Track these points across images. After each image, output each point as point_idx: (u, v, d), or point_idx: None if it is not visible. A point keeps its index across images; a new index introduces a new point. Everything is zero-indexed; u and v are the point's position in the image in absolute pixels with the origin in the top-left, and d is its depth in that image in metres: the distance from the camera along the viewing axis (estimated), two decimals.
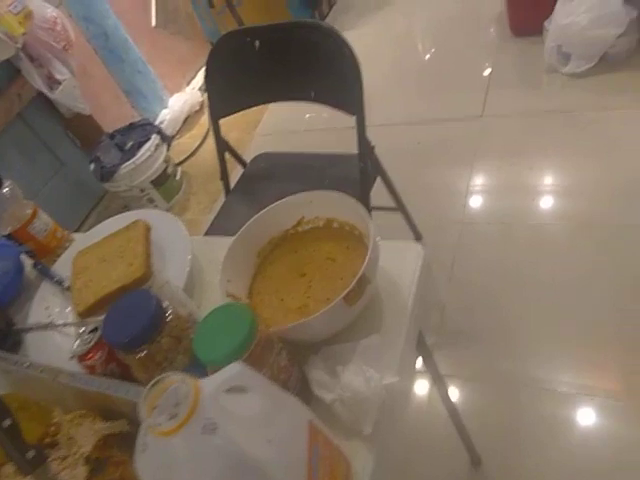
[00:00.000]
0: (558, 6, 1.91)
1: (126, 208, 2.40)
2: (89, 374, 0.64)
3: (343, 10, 3.01)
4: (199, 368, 0.56)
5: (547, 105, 1.94)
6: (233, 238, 0.71)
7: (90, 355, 0.62)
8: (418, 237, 1.68)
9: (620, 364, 1.25)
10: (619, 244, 1.46)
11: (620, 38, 1.83)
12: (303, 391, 0.58)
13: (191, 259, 0.78)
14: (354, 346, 0.60)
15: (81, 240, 0.97)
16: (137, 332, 0.52)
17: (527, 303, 1.45)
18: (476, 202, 1.77)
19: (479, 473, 1.18)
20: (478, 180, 1.82)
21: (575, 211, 1.60)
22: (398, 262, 0.68)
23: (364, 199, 1.28)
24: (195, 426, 0.34)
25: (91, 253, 0.64)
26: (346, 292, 0.57)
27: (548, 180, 1.73)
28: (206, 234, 1.41)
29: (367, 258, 0.59)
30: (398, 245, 0.70)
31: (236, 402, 0.38)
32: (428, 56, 2.50)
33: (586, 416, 1.20)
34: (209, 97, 1.41)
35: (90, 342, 0.63)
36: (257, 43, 1.26)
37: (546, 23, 1.98)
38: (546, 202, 1.68)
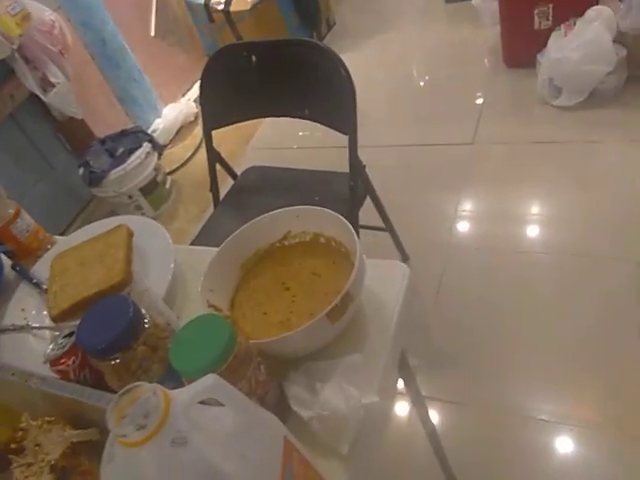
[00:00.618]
0: (551, 41, 1.96)
1: (113, 214, 2.38)
2: (61, 379, 0.62)
3: (341, 33, 3.05)
4: (174, 378, 0.55)
5: (537, 136, 1.97)
6: (218, 248, 0.71)
7: (63, 360, 0.60)
8: (405, 258, 1.68)
9: (597, 394, 1.26)
10: (602, 275, 1.48)
11: (609, 75, 1.87)
12: (281, 407, 0.57)
13: (174, 268, 0.77)
14: (335, 363, 0.59)
15: (63, 243, 0.95)
16: (112, 338, 0.51)
17: (510, 328, 1.45)
18: (463, 227, 1.78)
19: None
20: (466, 205, 1.83)
21: (559, 241, 1.61)
22: (383, 281, 0.67)
23: (353, 217, 1.28)
24: (164, 438, 0.33)
25: (70, 256, 0.63)
26: (329, 308, 0.56)
27: (535, 209, 1.75)
28: (192, 244, 1.40)
29: (352, 275, 0.58)
30: (384, 264, 0.70)
31: (209, 415, 0.37)
32: (422, 82, 2.54)
33: (563, 444, 1.20)
34: (202, 107, 1.41)
35: (64, 347, 0.62)
36: (254, 58, 1.27)
37: (539, 56, 2.02)
38: (532, 231, 1.69)
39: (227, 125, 1.41)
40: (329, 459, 0.53)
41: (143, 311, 0.55)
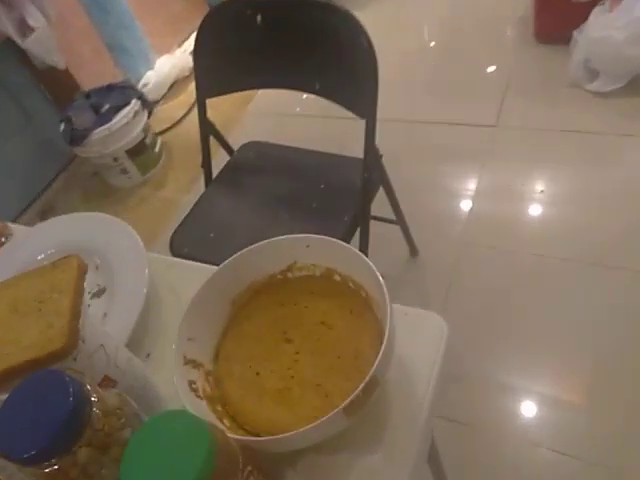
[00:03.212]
0: (592, 16, 1.75)
1: (96, 175, 2.19)
2: None
3: None
4: None
5: (565, 123, 1.79)
6: (202, 283, 0.55)
7: None
8: (414, 252, 1.54)
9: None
10: (618, 285, 1.34)
11: None
12: None
13: (147, 294, 0.61)
14: (350, 463, 0.44)
15: (21, 236, 0.79)
16: (43, 443, 0.35)
17: (518, 336, 1.33)
18: (479, 220, 1.62)
19: None
20: (483, 196, 1.67)
21: (579, 245, 1.46)
22: (413, 339, 0.52)
23: (364, 213, 1.12)
24: None
25: (1, 294, 0.46)
26: (348, 402, 0.41)
27: (557, 208, 1.59)
28: (177, 229, 1.24)
29: (380, 354, 0.43)
30: (414, 315, 0.54)
31: None
32: (441, 52, 2.31)
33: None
34: (197, 72, 1.22)
35: None
36: (259, 17, 1.07)
37: (576, 33, 1.82)
38: (552, 231, 1.54)
39: (223, 94, 1.23)
40: None
41: (88, 388, 0.39)
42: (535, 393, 1.24)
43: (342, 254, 0.52)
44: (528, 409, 1.22)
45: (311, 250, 0.55)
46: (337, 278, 0.56)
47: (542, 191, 1.63)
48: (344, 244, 0.51)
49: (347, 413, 0.42)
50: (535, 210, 1.60)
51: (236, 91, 1.21)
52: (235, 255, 0.56)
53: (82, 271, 0.45)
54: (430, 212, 1.66)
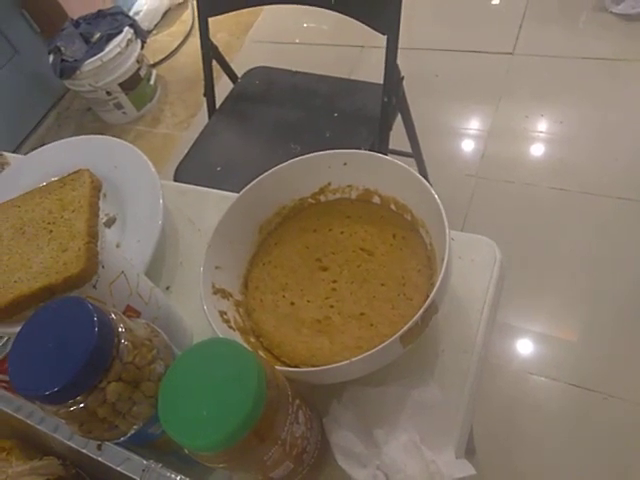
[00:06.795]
0: None
1: (89, 111, 2.09)
2: (3, 388, 0.44)
3: None
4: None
5: (586, 50, 1.68)
6: (228, 205, 0.49)
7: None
8: None
9: None
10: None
11: None
12: (321, 456, 0.40)
13: (162, 222, 0.56)
14: (401, 396, 0.41)
15: (20, 164, 0.72)
16: (64, 380, 0.31)
17: (543, 273, 1.29)
18: (495, 155, 1.55)
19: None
20: (500, 129, 1.59)
21: (601, 179, 1.40)
22: (462, 265, 0.47)
23: (382, 142, 1.05)
24: None
25: (4, 214, 0.40)
26: (406, 329, 0.37)
27: (579, 140, 1.51)
28: (181, 163, 1.17)
29: (441, 276, 0.38)
30: (464, 239, 0.49)
31: None
32: None
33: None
34: None
35: (5, 345, 0.42)
36: None
37: None
38: (572, 163, 1.47)
39: (228, 11, 1.12)
40: None
41: (113, 317, 0.34)
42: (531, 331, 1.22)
43: (387, 171, 0.47)
44: (524, 345, 1.21)
45: (348, 168, 0.49)
46: (376, 200, 0.50)
47: (562, 122, 1.56)
48: (391, 159, 0.46)
49: (403, 341, 0.37)
50: (554, 142, 1.53)
51: (241, 8, 1.11)
52: (261, 176, 0.50)
53: (96, 187, 0.39)
54: (443, 143, 1.58)
